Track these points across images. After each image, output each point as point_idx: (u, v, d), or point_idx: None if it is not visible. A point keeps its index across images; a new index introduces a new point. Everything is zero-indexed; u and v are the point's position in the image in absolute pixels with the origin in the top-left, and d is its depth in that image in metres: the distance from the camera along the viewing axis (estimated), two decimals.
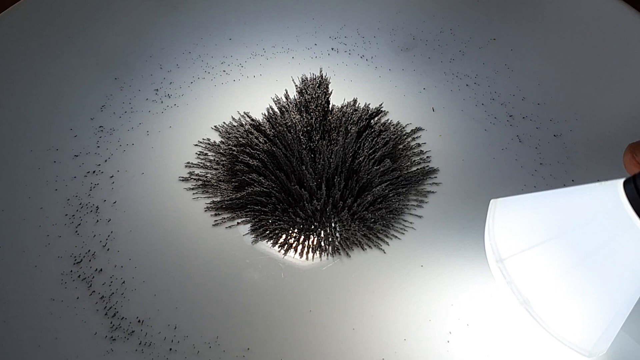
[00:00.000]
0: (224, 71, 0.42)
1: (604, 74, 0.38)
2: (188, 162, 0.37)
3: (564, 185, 0.33)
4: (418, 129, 0.38)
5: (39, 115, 0.39)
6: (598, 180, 0.26)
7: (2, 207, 0.35)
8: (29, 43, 0.42)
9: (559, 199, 0.29)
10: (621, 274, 0.28)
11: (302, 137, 0.35)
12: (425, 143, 0.37)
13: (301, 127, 0.36)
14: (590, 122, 0.36)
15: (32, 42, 0.42)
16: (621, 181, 0.26)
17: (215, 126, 0.38)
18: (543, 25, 0.41)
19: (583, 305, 0.29)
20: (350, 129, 0.35)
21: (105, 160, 0.36)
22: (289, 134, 0.35)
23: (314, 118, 0.36)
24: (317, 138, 0.35)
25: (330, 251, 0.32)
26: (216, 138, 0.38)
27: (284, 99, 0.38)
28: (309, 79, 0.38)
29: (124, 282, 0.32)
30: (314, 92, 0.37)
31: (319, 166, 0.34)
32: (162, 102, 0.40)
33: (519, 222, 0.30)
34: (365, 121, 0.37)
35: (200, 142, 0.38)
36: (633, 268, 0.27)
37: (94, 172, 0.36)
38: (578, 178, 0.33)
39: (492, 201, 0.31)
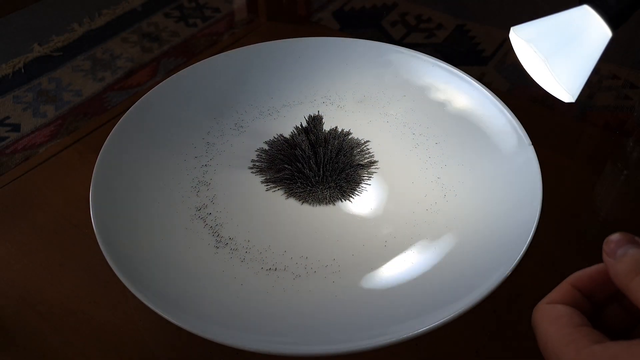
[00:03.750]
0: (270, 114, 0.53)
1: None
2: (252, 159, 0.49)
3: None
4: (367, 141, 0.50)
5: (179, 137, 0.49)
6: None
7: (163, 184, 0.45)
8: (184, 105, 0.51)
9: (559, 17, 0.37)
10: (589, 51, 0.36)
11: (310, 145, 0.47)
12: (371, 148, 0.50)
13: (309, 140, 0.47)
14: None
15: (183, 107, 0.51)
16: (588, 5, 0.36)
17: (265, 141, 0.50)
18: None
19: (572, 71, 0.37)
20: (334, 141, 0.48)
21: (211, 159, 0.48)
22: (302, 144, 0.47)
23: (315, 136, 0.47)
24: (317, 146, 0.46)
25: (324, 202, 0.45)
26: (265, 147, 0.49)
27: (300, 127, 0.49)
28: (312, 116, 0.48)
29: (222, 219, 0.43)
30: (315, 122, 0.48)
31: (319, 160, 0.46)
32: (238, 129, 0.52)
33: (540, 29, 0.38)
34: (342, 137, 0.49)
35: (258, 149, 0.49)
36: (595, 45, 0.36)
37: (205, 165, 0.48)
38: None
39: (512, 28, 0.39)
